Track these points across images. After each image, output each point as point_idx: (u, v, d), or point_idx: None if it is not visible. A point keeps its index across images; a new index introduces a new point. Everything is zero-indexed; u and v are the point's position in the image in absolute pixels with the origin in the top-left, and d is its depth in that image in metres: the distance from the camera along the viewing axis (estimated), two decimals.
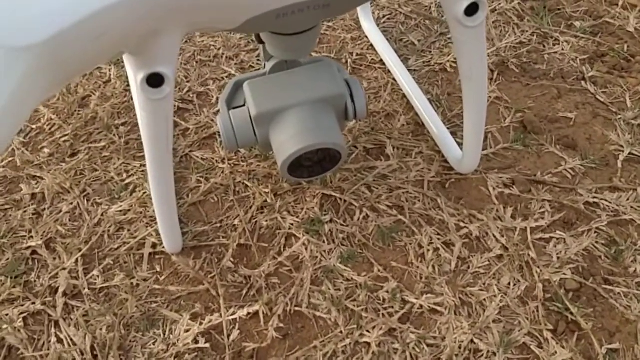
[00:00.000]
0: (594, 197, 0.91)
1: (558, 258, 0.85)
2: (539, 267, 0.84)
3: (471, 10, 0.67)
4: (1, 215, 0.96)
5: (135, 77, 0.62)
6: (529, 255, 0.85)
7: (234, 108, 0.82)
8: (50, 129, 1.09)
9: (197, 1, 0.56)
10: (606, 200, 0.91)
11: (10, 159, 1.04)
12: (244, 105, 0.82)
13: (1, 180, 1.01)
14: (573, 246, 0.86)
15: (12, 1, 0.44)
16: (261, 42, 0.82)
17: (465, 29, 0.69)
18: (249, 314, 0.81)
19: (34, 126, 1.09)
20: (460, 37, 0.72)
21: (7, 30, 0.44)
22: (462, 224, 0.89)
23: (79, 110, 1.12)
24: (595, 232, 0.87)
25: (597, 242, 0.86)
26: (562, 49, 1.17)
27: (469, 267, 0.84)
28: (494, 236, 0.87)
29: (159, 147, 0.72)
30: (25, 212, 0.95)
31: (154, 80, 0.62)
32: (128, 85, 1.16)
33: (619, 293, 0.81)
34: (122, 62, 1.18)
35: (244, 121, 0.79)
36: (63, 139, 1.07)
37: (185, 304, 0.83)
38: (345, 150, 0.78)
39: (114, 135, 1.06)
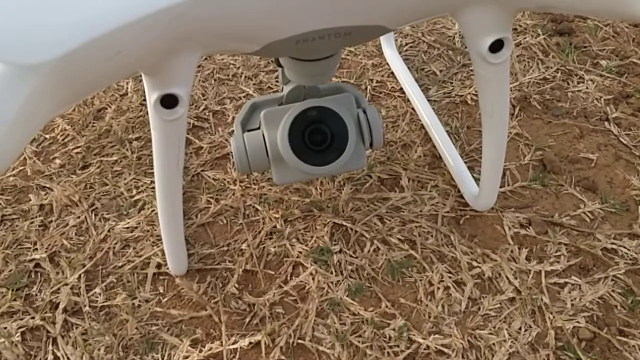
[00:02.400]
0: (612, 243, 0.89)
1: (572, 305, 0.82)
2: (551, 313, 0.81)
3: (496, 46, 0.65)
4: (8, 224, 0.95)
5: (148, 97, 0.61)
6: (542, 300, 0.82)
7: (249, 130, 0.81)
8: (63, 139, 1.08)
9: (214, 24, 0.55)
10: (625, 247, 0.88)
11: (21, 167, 1.03)
12: (259, 128, 0.80)
13: (10, 189, 1.00)
14: (588, 293, 0.83)
15: (23, 17, 0.43)
16: (280, 65, 0.81)
17: (488, 65, 0.67)
18: (250, 343, 0.79)
19: (47, 136, 1.09)
20: (483, 73, 0.70)
21: (17, 46, 0.42)
22: (474, 263, 0.86)
23: (93, 122, 1.11)
24: (612, 280, 0.85)
25: (613, 291, 0.83)
26: (587, 88, 1.15)
27: (479, 309, 0.82)
28: (507, 278, 0.85)
29: (169, 167, 0.71)
30: (32, 223, 0.94)
31: (168, 101, 0.61)
32: (144, 100, 1.15)
33: (633, 346, 0.78)
34: (140, 75, 1.18)
35: (258, 145, 0.77)
36: (75, 150, 1.06)
37: (186, 329, 0.81)
38: (353, 129, 0.75)
39: (127, 149, 1.05)
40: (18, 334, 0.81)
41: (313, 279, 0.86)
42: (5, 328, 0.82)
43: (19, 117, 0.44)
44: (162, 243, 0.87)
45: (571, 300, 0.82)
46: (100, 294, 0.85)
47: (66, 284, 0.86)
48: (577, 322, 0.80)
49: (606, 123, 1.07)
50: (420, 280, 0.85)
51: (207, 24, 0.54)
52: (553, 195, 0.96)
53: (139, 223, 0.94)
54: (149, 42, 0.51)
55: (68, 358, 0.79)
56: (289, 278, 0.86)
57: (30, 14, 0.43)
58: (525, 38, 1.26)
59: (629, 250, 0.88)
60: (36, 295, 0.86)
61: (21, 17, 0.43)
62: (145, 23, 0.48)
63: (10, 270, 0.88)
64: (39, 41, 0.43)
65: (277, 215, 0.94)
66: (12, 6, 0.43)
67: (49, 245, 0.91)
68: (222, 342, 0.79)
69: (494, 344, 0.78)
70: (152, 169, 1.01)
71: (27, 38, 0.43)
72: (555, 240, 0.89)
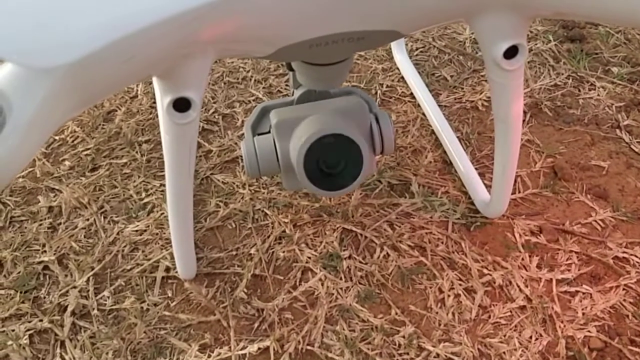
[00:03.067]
0: (624, 252, 0.88)
1: (583, 314, 0.81)
2: (562, 322, 0.80)
3: (510, 53, 0.65)
4: (17, 226, 0.94)
5: (161, 101, 0.61)
6: (552, 308, 0.82)
7: (259, 134, 0.80)
8: (73, 141, 1.08)
9: (229, 28, 0.55)
10: (636, 256, 0.87)
11: (31, 169, 1.03)
12: (269, 131, 0.80)
13: (20, 191, 1.00)
14: (599, 302, 0.82)
15: (37, 21, 0.43)
16: (291, 69, 0.80)
17: (502, 72, 0.67)
18: (259, 349, 0.78)
19: (56, 137, 1.09)
20: (497, 79, 0.69)
21: (32, 50, 0.42)
22: (485, 271, 0.86)
23: (103, 125, 1.11)
24: (624, 289, 0.84)
25: (624, 300, 0.83)
26: (598, 95, 1.14)
27: (489, 317, 0.81)
28: (518, 286, 0.84)
29: (180, 171, 0.71)
30: (40, 225, 0.94)
31: (180, 105, 0.61)
32: (154, 102, 1.15)
33: None
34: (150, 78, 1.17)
35: (268, 148, 0.77)
36: (85, 152, 1.06)
37: (194, 334, 0.81)
38: (367, 152, 0.74)
39: (136, 152, 1.05)
40: (26, 336, 0.81)
41: (322, 284, 0.85)
42: (13, 330, 0.82)
43: (34, 120, 0.44)
44: (171, 246, 0.87)
45: (582, 309, 0.82)
46: (108, 297, 0.85)
47: (75, 287, 0.86)
48: (588, 331, 0.79)
49: (618, 130, 1.07)
50: (431, 288, 0.84)
51: (221, 28, 0.54)
52: (564, 203, 0.95)
53: (148, 226, 0.93)
54: (164, 46, 0.51)
55: None
56: (298, 283, 0.86)
57: (45, 17, 0.43)
58: (536, 44, 1.26)
59: None
60: (44, 297, 0.85)
61: (37, 20, 0.43)
62: (160, 27, 0.48)
63: (19, 272, 0.88)
64: (54, 45, 0.43)
65: (286, 220, 0.93)
66: (28, 10, 0.43)
67: (58, 247, 0.91)
68: (230, 347, 0.79)
69: (504, 352, 0.77)
70: (161, 171, 1.01)
71: (43, 41, 0.43)
72: (566, 248, 0.89)
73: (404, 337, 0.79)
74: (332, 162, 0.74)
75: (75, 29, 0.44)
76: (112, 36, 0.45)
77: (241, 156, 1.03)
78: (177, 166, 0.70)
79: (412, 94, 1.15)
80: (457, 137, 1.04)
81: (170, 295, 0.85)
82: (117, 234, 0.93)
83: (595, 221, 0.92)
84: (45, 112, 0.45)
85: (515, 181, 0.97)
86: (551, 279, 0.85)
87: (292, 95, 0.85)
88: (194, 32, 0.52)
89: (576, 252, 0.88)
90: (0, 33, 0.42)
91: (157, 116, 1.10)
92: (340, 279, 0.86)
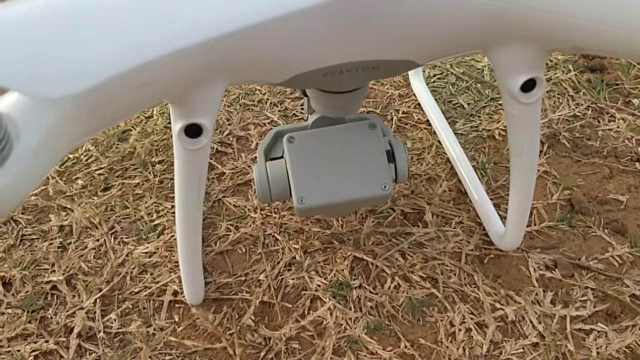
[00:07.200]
0: None
1: (598, 353, 0.79)
2: None
3: (528, 86, 0.64)
4: (27, 244, 0.94)
5: (173, 126, 0.60)
6: (566, 346, 0.80)
7: (271, 159, 0.80)
8: (86, 160, 1.08)
9: (242, 56, 0.54)
10: None
11: (44, 187, 1.03)
12: (282, 156, 0.79)
13: (32, 209, 1.00)
14: (615, 341, 0.80)
15: (47, 50, 0.43)
16: (306, 94, 0.80)
17: (519, 105, 0.66)
18: None
19: (71, 156, 1.09)
20: (513, 112, 0.68)
21: (39, 80, 0.42)
22: (497, 305, 0.84)
23: (117, 144, 1.11)
24: None
25: None
26: (618, 127, 1.12)
27: (501, 353, 0.79)
28: (531, 322, 0.82)
29: (190, 195, 0.70)
30: (51, 244, 0.94)
31: (192, 131, 0.60)
32: (169, 122, 1.14)
33: None
34: None
35: (280, 174, 0.76)
36: (98, 171, 1.06)
37: None
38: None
39: (149, 173, 1.05)
40: (31, 357, 0.80)
41: (331, 314, 0.84)
42: (18, 351, 0.81)
43: (43, 145, 0.44)
44: (179, 270, 0.86)
45: (597, 348, 0.80)
46: (115, 319, 0.84)
47: (82, 308, 0.85)
48: None
49: (637, 164, 1.05)
50: (441, 321, 0.83)
51: (234, 57, 0.53)
52: (580, 237, 0.93)
53: (158, 248, 0.93)
54: (175, 75, 0.51)
55: None
56: (306, 312, 0.84)
57: (54, 47, 0.43)
58: (556, 73, 1.24)
59: None
60: (51, 318, 0.85)
61: (45, 50, 0.42)
62: (171, 58, 0.47)
63: (27, 292, 0.88)
64: (62, 75, 0.43)
65: (296, 246, 0.92)
66: (36, 40, 0.43)
67: (67, 267, 0.91)
68: None
69: None
70: (173, 193, 1.00)
71: (50, 71, 0.42)
72: (581, 284, 0.87)
73: None
74: None
75: (83, 60, 0.44)
76: (121, 67, 0.44)
77: (254, 179, 1.02)
78: (187, 190, 0.69)
79: (428, 121, 1.14)
80: (473, 166, 1.02)
81: (176, 320, 0.84)
82: (127, 255, 0.92)
83: (612, 257, 0.90)
84: (53, 139, 0.45)
85: (531, 213, 0.96)
86: (565, 316, 0.83)
87: (307, 120, 0.85)
88: (206, 62, 0.51)
89: (592, 289, 0.86)
90: (8, 63, 0.41)
91: (171, 137, 1.10)
92: (350, 308, 0.84)
